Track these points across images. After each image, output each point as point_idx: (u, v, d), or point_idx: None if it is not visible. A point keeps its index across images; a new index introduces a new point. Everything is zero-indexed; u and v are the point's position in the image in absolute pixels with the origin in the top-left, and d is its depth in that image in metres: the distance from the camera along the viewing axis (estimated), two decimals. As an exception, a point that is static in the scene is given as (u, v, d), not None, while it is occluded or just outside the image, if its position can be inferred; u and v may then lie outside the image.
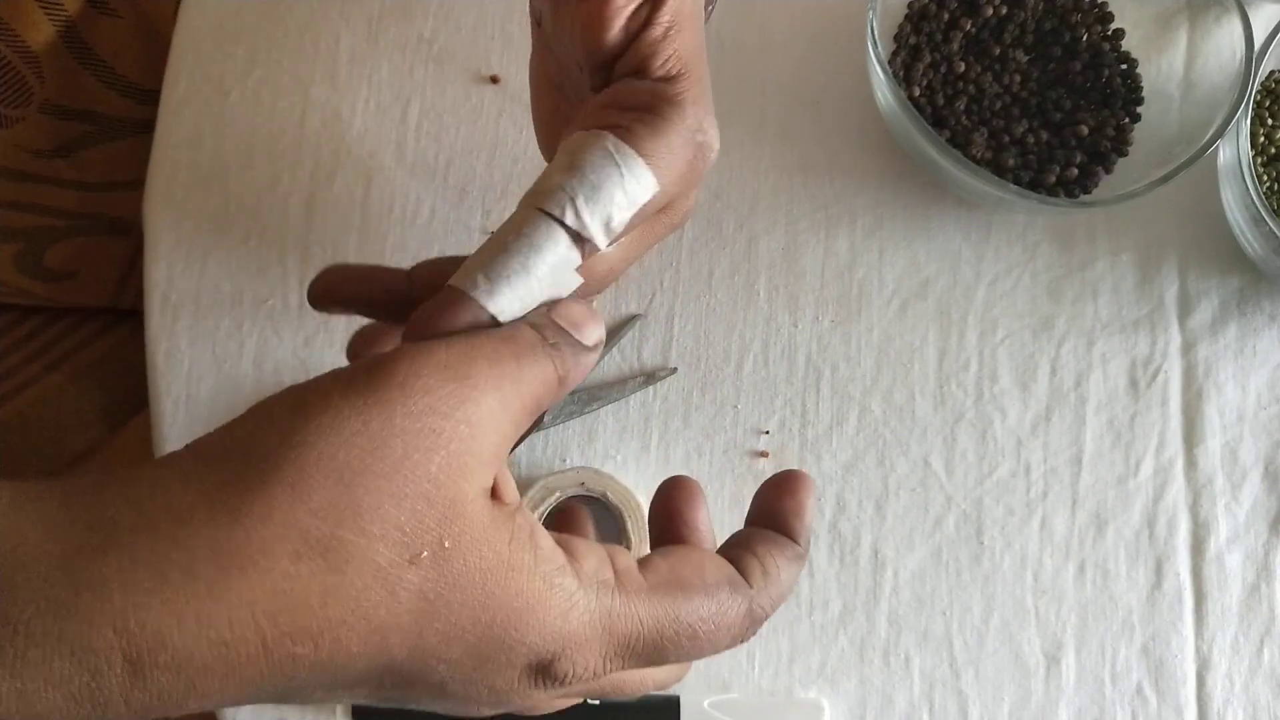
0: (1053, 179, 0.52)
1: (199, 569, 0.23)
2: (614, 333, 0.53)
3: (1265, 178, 0.52)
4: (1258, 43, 0.50)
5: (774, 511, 0.33)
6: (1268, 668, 0.50)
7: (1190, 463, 0.52)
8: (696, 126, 0.32)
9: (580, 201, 0.29)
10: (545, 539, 0.28)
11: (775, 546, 0.32)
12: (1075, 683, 0.50)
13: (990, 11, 0.54)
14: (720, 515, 0.51)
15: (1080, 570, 0.51)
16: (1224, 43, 0.53)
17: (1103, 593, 0.51)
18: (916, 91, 0.53)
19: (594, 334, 0.30)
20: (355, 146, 0.55)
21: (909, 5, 0.55)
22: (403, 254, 0.54)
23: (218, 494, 0.24)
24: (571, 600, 0.27)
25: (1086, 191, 0.53)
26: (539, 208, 0.29)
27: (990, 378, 0.53)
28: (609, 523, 0.49)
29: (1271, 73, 0.53)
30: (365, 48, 0.56)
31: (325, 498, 0.24)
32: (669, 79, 0.32)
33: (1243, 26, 0.50)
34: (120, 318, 0.74)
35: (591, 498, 0.49)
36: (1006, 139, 0.53)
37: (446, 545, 0.25)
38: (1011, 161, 0.52)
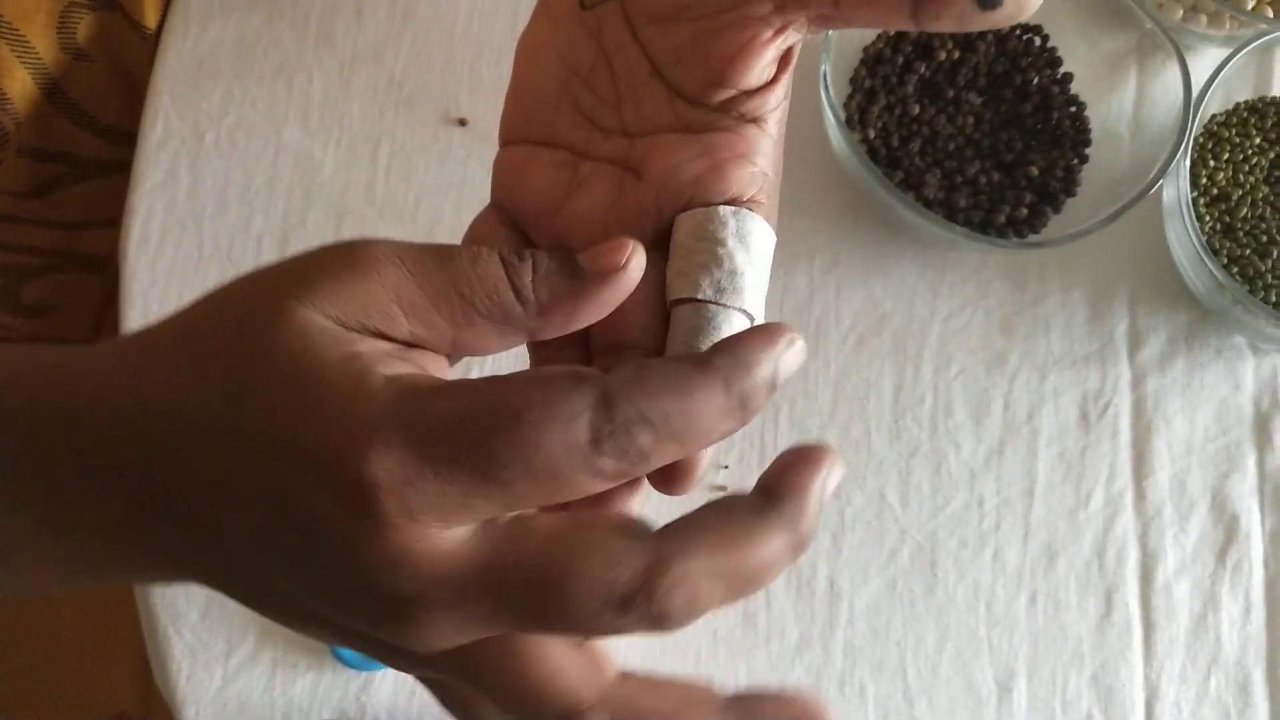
0: (1003, 219, 0.54)
1: None
2: (577, 369, 0.54)
3: (1208, 217, 0.53)
4: (1198, 86, 0.52)
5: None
6: (1214, 696, 0.51)
7: (1139, 494, 0.54)
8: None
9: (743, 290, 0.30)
10: (370, 354, 0.25)
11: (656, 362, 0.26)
12: (1027, 711, 0.51)
13: (944, 55, 0.56)
14: (680, 547, 0.52)
15: (1032, 600, 0.52)
16: (1170, 85, 0.55)
17: (1053, 622, 0.52)
18: (872, 133, 0.55)
19: (618, 258, 0.28)
20: (327, 187, 0.57)
21: (864, 50, 0.57)
22: (371, 292, 0.55)
23: None
24: (366, 385, 0.23)
25: (1035, 231, 0.54)
26: (735, 308, 0.30)
27: (945, 412, 0.54)
28: None
29: (1214, 115, 0.55)
30: (337, 90, 0.58)
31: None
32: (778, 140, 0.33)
33: (1181, 71, 0.52)
34: (101, 350, 0.75)
35: None
36: (959, 179, 0.55)
37: (257, 337, 0.24)
38: (964, 202, 0.54)
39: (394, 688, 0.50)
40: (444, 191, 0.57)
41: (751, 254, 0.30)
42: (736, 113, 0.32)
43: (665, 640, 0.51)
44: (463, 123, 0.58)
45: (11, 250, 0.67)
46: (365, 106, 0.58)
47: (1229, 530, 0.53)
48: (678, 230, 0.32)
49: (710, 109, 0.33)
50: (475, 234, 0.36)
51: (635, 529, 0.25)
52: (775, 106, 0.33)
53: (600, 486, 0.24)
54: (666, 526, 0.25)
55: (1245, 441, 0.55)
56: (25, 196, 0.64)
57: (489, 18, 0.59)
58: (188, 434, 0.24)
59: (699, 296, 0.30)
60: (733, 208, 0.31)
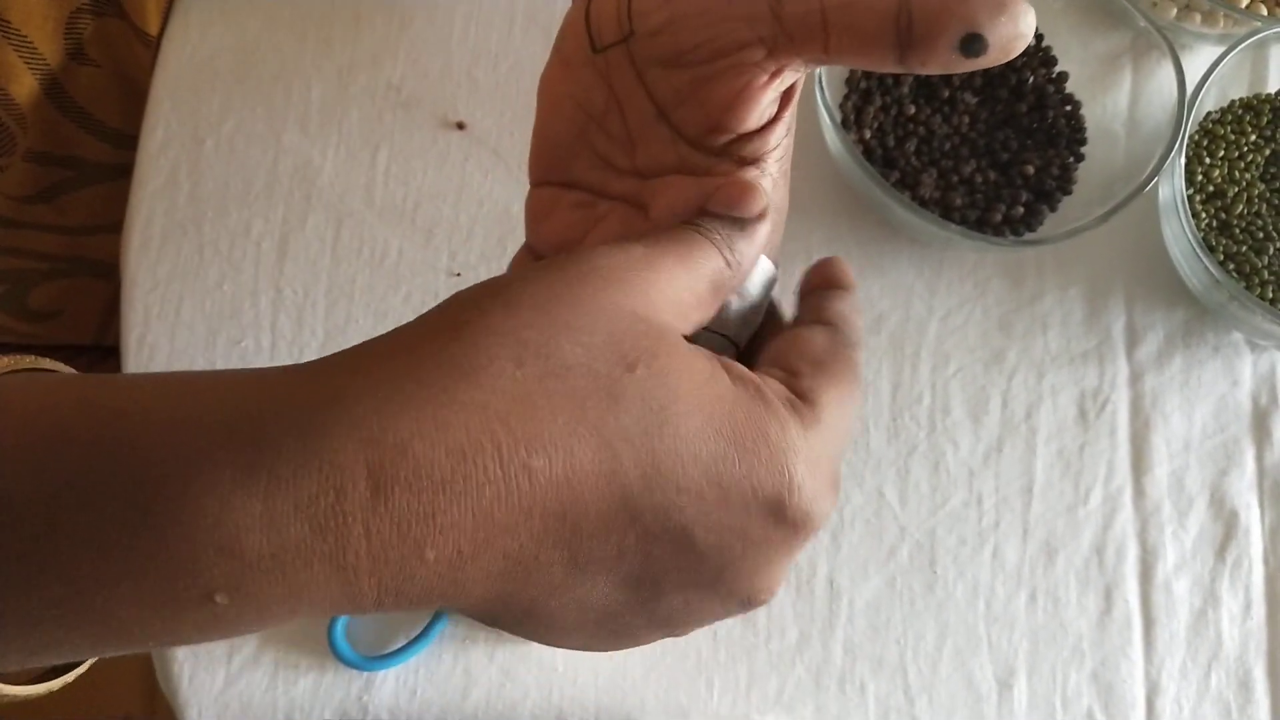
0: (999, 218, 0.54)
1: (431, 378, 0.23)
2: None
3: (1204, 214, 0.53)
4: (1192, 84, 0.52)
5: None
6: (1215, 692, 0.51)
7: (1138, 491, 0.54)
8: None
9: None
10: (735, 367, 0.27)
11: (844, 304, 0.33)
12: (1027, 708, 0.51)
13: (939, 55, 0.56)
14: (680, 547, 0.52)
15: (1031, 598, 0.52)
16: (1165, 83, 0.55)
17: (1053, 619, 0.52)
18: (868, 133, 0.55)
19: (753, 206, 0.31)
20: (326, 191, 0.57)
21: (860, 50, 0.57)
22: (370, 294, 0.55)
23: (436, 329, 0.25)
24: (783, 421, 0.26)
25: (1031, 229, 0.54)
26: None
27: (943, 410, 0.54)
28: None
29: (1209, 113, 0.55)
30: (335, 95, 0.58)
31: (537, 315, 0.24)
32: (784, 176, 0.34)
33: (1175, 70, 0.52)
34: (105, 355, 0.76)
35: None
36: (955, 179, 0.55)
37: (659, 358, 0.25)
38: (959, 201, 0.54)
39: (395, 687, 0.50)
40: (442, 194, 0.57)
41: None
42: (736, 156, 0.33)
43: (667, 642, 0.51)
44: (460, 126, 0.58)
45: (17, 255, 0.68)
46: (364, 111, 0.58)
47: (1228, 526, 0.53)
48: None
49: (710, 152, 0.34)
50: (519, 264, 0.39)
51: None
52: (775, 145, 0.33)
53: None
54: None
55: (1244, 438, 0.55)
56: (31, 201, 0.64)
57: (485, 24, 0.60)
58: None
59: None
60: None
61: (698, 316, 0.29)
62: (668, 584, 0.26)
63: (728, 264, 0.30)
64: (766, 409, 0.25)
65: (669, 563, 0.25)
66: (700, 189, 0.34)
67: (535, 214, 0.38)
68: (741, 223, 0.30)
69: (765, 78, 0.32)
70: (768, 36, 0.31)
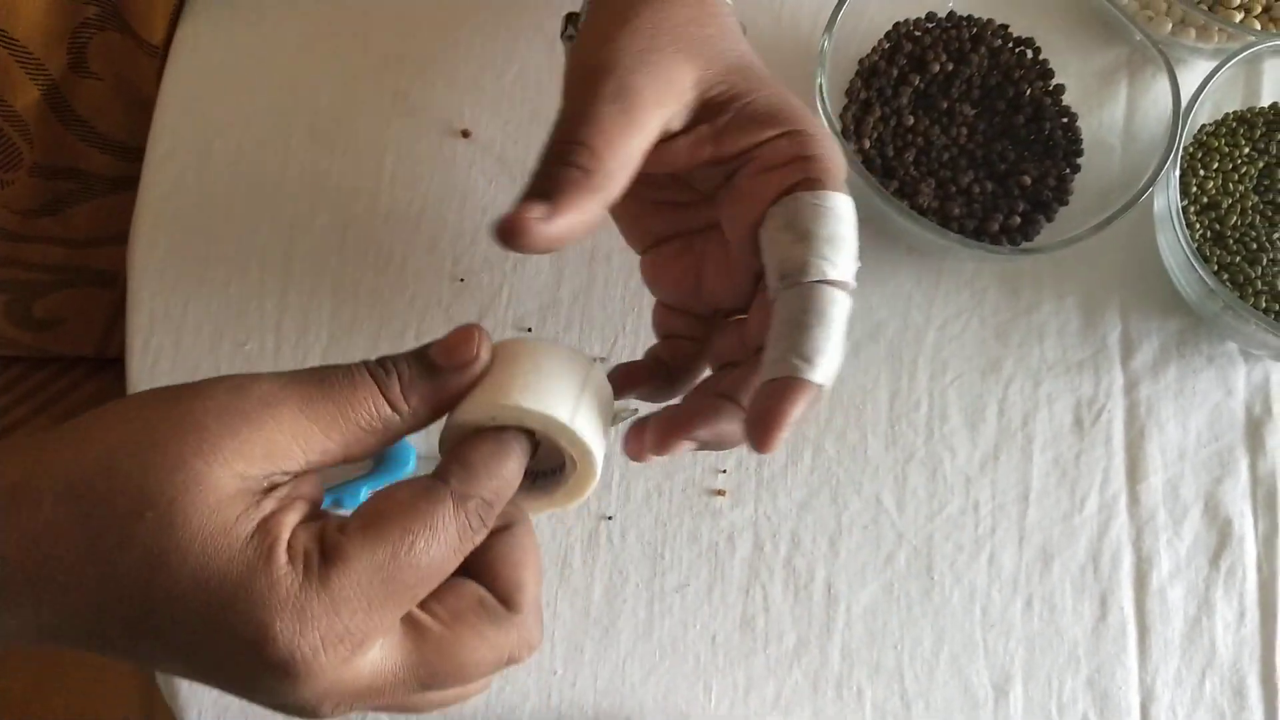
0: (996, 227, 0.54)
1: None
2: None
3: (1198, 225, 0.54)
4: (1187, 97, 0.53)
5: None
6: (1209, 699, 0.52)
7: (1133, 499, 0.54)
8: (828, 132, 0.36)
9: (830, 257, 0.32)
10: (276, 531, 0.28)
11: (475, 439, 0.31)
12: (1023, 714, 0.51)
13: (938, 68, 0.57)
14: (679, 550, 0.53)
15: (1027, 604, 0.53)
16: (1160, 96, 0.56)
17: (1049, 626, 0.52)
18: (867, 144, 0.56)
19: (448, 355, 0.32)
20: (332, 197, 0.58)
21: (860, 62, 0.58)
22: (375, 298, 0.56)
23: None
24: (274, 577, 0.27)
25: (1028, 239, 0.55)
26: (815, 280, 0.32)
27: (940, 418, 0.55)
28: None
29: (1203, 125, 0.56)
30: (343, 102, 0.59)
31: (93, 452, 0.28)
32: (788, 128, 0.35)
33: (1170, 83, 0.52)
34: (105, 364, 0.76)
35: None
36: (953, 189, 0.56)
37: (174, 506, 0.27)
38: (957, 210, 0.55)
39: (395, 689, 0.50)
40: (447, 201, 0.58)
41: (799, 231, 0.32)
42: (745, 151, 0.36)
43: (665, 645, 0.51)
44: (466, 134, 0.59)
45: (22, 267, 0.68)
46: (370, 118, 0.59)
47: (1222, 534, 0.54)
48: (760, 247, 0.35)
49: (727, 160, 0.36)
50: (656, 320, 0.42)
51: (495, 610, 0.31)
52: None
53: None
54: (507, 601, 0.32)
55: (1238, 446, 0.55)
56: (35, 214, 0.65)
57: (491, 33, 0.61)
58: (109, 590, 0.27)
59: (774, 294, 0.33)
60: (774, 206, 0.33)
61: (336, 450, 0.30)
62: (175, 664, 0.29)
63: (389, 406, 0.30)
64: (263, 562, 0.27)
65: (168, 652, 0.28)
66: (743, 209, 0.36)
67: (650, 277, 0.42)
68: (429, 369, 0.31)
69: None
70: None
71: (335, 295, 0.56)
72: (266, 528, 0.28)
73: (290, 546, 0.28)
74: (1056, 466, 0.55)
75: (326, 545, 0.28)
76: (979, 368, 0.56)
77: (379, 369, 0.31)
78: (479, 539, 0.30)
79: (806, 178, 0.34)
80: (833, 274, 0.32)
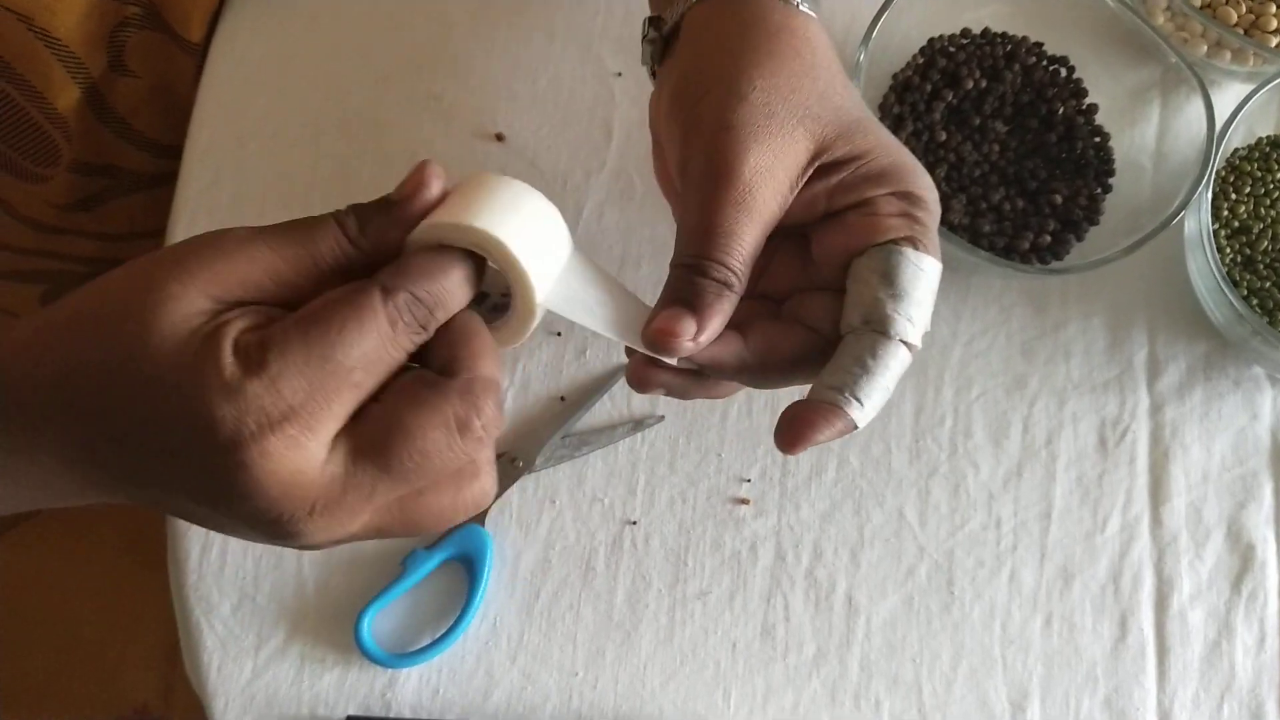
0: (1026, 245, 0.55)
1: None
2: (605, 381, 0.55)
3: (1229, 249, 0.54)
4: (1221, 120, 0.53)
5: None
6: (1226, 722, 0.52)
7: (1156, 520, 0.54)
8: (935, 193, 0.37)
9: (914, 320, 0.34)
10: (225, 330, 0.30)
11: (415, 251, 0.32)
12: (1039, 731, 0.52)
13: (971, 84, 0.57)
14: (701, 558, 0.53)
15: (1047, 622, 0.53)
16: (1193, 119, 0.56)
17: (1068, 644, 0.53)
18: (899, 158, 0.56)
19: (405, 188, 0.33)
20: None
21: (894, 76, 0.58)
22: (406, 300, 0.56)
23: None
24: (218, 364, 0.29)
25: (1058, 258, 0.55)
26: (889, 335, 0.34)
27: (964, 433, 0.55)
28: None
29: (1236, 149, 0.56)
30: (376, 103, 0.59)
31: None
32: (902, 187, 0.36)
33: (1205, 105, 0.53)
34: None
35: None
36: (984, 205, 0.56)
37: (150, 316, 0.29)
38: (988, 227, 0.55)
39: (418, 685, 0.51)
40: (479, 204, 0.58)
41: (894, 287, 0.34)
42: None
43: (685, 651, 0.52)
44: (499, 138, 0.59)
45: (57, 259, 0.69)
46: (403, 119, 0.59)
47: (1244, 559, 0.54)
48: (847, 281, 0.36)
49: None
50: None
51: (429, 378, 0.31)
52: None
53: (406, 353, 0.31)
54: (444, 369, 0.32)
55: (1262, 471, 0.55)
56: (72, 209, 0.66)
57: (525, 37, 0.61)
58: (94, 400, 0.30)
59: (848, 330, 0.35)
60: (875, 249, 0.35)
61: (306, 284, 0.32)
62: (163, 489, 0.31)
63: (349, 242, 0.32)
64: (209, 353, 0.29)
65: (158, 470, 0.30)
66: (848, 240, 0.37)
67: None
68: (386, 205, 0.33)
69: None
70: None
71: (367, 295, 0.57)
72: (219, 328, 0.30)
73: (236, 342, 0.29)
74: (1079, 485, 0.55)
75: (266, 336, 0.30)
76: (1004, 384, 0.56)
77: (342, 213, 0.33)
78: (416, 338, 0.31)
79: (911, 236, 0.35)
80: (910, 336, 0.34)
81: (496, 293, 0.35)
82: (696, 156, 0.37)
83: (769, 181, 0.36)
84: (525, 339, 0.34)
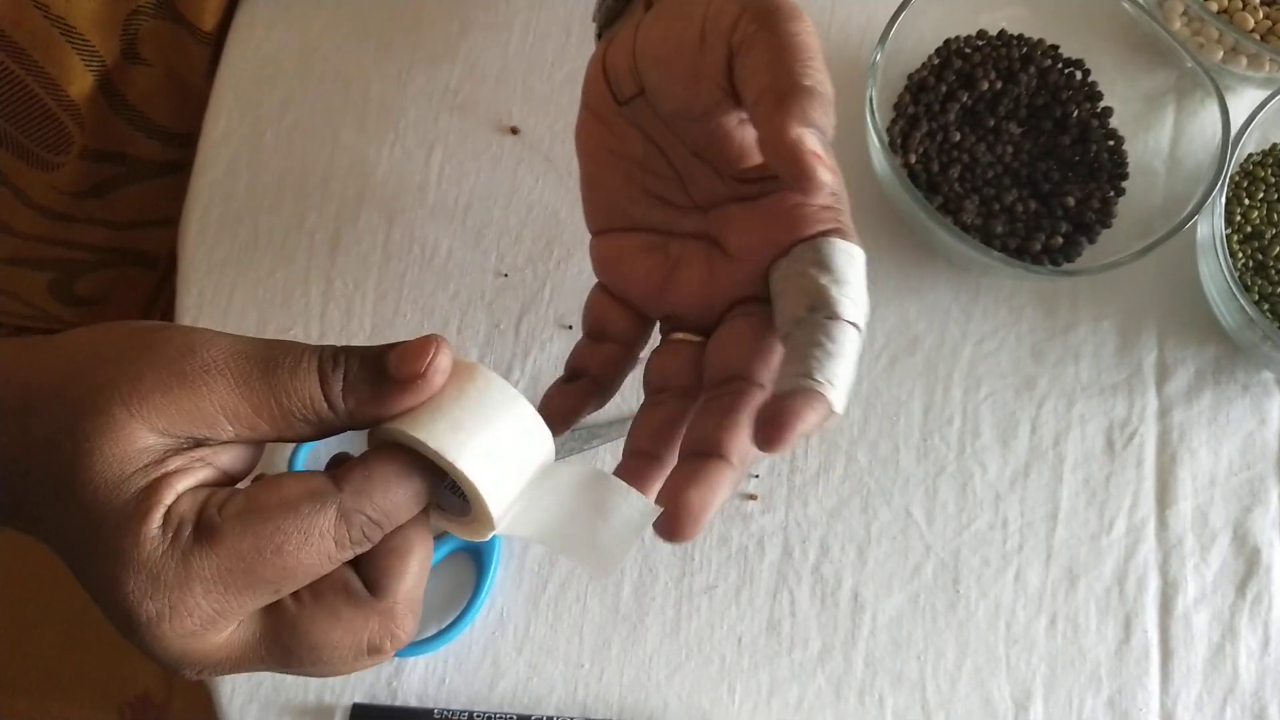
0: (1038, 247, 0.55)
1: None
2: (615, 374, 0.55)
3: (1240, 254, 0.54)
4: (1236, 125, 0.53)
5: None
6: (1230, 725, 0.52)
7: (1162, 523, 0.55)
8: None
9: (858, 301, 0.34)
10: (162, 493, 0.29)
11: (385, 454, 0.31)
12: (1043, 731, 0.52)
13: (986, 86, 0.57)
14: (709, 552, 0.53)
15: (1051, 622, 0.53)
16: (1208, 123, 0.56)
17: (1072, 645, 0.53)
18: (913, 158, 0.56)
19: (395, 364, 0.31)
20: (380, 188, 0.58)
21: (909, 77, 0.58)
22: (419, 290, 0.57)
23: None
24: (141, 537, 0.28)
25: (1070, 260, 0.55)
26: (845, 319, 0.33)
27: (972, 433, 0.55)
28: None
29: (1250, 155, 0.56)
30: (394, 95, 0.60)
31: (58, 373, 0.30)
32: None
33: (1220, 111, 0.53)
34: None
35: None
36: (996, 207, 0.56)
37: (87, 445, 0.28)
38: (1000, 228, 0.55)
39: (424, 674, 0.51)
40: (494, 197, 0.58)
41: (834, 274, 0.34)
42: (772, 174, 0.35)
43: (691, 645, 0.52)
44: (514, 131, 0.59)
45: (67, 247, 0.69)
46: (420, 112, 0.60)
47: (1250, 563, 0.54)
48: (771, 282, 0.35)
49: (752, 181, 0.36)
50: (594, 311, 0.40)
51: (357, 593, 0.31)
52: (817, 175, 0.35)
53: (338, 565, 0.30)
54: (373, 586, 0.31)
55: (1269, 476, 0.55)
56: (83, 196, 0.66)
57: (543, 32, 0.61)
58: (19, 483, 0.30)
59: (793, 322, 0.34)
60: (807, 243, 0.34)
61: (268, 430, 0.30)
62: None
63: (326, 402, 0.30)
64: (136, 521, 0.28)
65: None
66: (761, 213, 0.36)
67: (604, 261, 0.41)
68: (379, 376, 0.31)
69: (737, 122, 0.36)
70: (726, 99, 0.35)
71: (379, 287, 0.57)
72: (155, 487, 0.28)
73: (169, 512, 0.28)
74: (1086, 487, 0.55)
75: (202, 520, 0.29)
76: (1013, 385, 0.56)
77: (328, 362, 0.31)
78: (360, 550, 0.30)
79: (838, 226, 0.35)
80: (859, 319, 0.34)
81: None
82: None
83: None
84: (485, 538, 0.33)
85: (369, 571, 0.31)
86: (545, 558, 0.53)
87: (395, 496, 0.30)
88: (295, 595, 0.30)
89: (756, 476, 0.54)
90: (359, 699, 0.51)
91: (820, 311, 0.33)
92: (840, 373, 0.32)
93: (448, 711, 0.50)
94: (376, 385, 0.30)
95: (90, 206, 0.68)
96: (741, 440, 0.33)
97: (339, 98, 0.60)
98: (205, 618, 0.28)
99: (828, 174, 0.32)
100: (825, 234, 0.35)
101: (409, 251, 0.57)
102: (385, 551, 0.31)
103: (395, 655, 0.51)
